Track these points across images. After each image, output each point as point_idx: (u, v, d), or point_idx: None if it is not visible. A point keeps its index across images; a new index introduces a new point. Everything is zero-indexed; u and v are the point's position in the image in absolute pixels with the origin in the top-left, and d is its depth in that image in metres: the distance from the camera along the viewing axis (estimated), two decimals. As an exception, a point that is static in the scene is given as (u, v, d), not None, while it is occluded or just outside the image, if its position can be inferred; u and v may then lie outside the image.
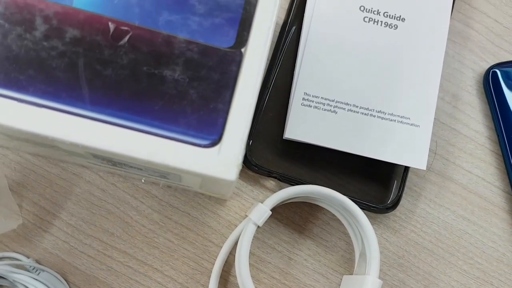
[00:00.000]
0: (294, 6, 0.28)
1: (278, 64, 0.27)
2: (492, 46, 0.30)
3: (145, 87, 0.19)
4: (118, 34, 0.19)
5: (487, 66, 0.29)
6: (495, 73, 0.29)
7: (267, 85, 0.27)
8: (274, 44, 0.28)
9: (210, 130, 0.19)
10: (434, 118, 0.28)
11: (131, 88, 0.19)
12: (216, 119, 0.19)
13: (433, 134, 0.28)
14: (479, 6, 0.30)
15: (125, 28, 0.19)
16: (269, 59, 0.28)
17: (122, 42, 0.19)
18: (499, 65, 0.29)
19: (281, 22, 0.28)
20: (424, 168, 0.26)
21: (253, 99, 0.19)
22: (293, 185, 0.26)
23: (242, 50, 0.19)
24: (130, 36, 0.19)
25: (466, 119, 0.29)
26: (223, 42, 0.19)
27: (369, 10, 0.27)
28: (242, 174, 0.27)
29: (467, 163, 0.28)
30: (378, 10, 0.27)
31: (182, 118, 0.19)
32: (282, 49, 0.28)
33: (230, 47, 0.19)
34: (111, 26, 0.19)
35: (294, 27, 0.28)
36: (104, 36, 0.19)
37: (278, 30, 0.28)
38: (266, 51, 0.20)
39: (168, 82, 0.19)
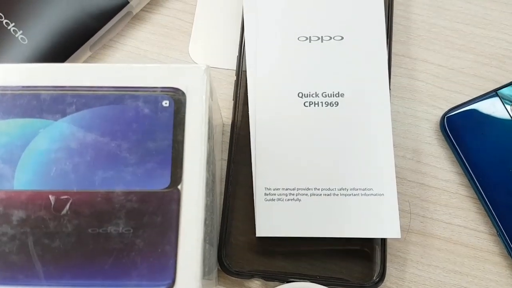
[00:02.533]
0: (237, 105, 0.29)
1: (232, 163, 0.28)
2: (441, 91, 0.30)
3: (92, 249, 0.20)
4: (59, 204, 0.20)
5: (441, 113, 0.29)
6: (450, 119, 0.29)
7: (228, 185, 0.28)
8: (228, 144, 0.29)
9: (163, 275, 0.19)
10: (401, 178, 0.28)
11: (80, 254, 0.19)
12: (167, 262, 0.19)
13: (404, 194, 0.28)
14: (419, 55, 0.31)
15: (65, 196, 0.20)
16: (225, 159, 0.29)
17: (64, 211, 0.20)
18: (452, 109, 0.29)
19: (229, 122, 0.30)
20: (399, 237, 0.26)
21: (199, 233, 0.20)
22: (279, 280, 0.26)
23: (179, 187, 0.20)
24: (70, 203, 0.20)
25: (433, 171, 0.29)
26: (159, 184, 0.20)
27: (307, 94, 0.28)
28: (224, 281, 0.27)
29: (445, 215, 0.28)
30: (316, 92, 0.28)
31: (134, 270, 0.19)
32: (233, 148, 0.29)
33: (166, 188, 0.20)
34: (52, 198, 0.20)
35: (241, 125, 0.29)
36: (47, 210, 0.20)
37: (228, 130, 0.29)
38: (202, 182, 0.20)
39: (114, 238, 0.20)
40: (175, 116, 0.21)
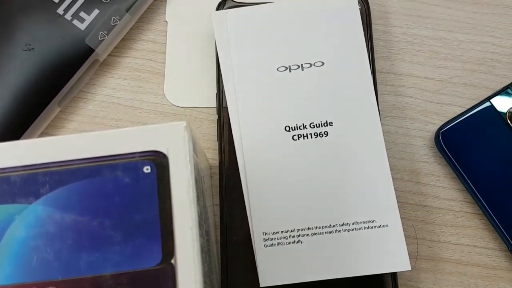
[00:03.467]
0: (222, 145, 0.28)
1: (225, 208, 0.27)
2: (432, 105, 0.29)
3: None
4: (44, 298, 0.18)
5: (434, 128, 0.28)
6: (444, 134, 0.28)
7: (224, 232, 0.27)
8: (219, 193, 0.27)
9: None
10: (402, 203, 0.27)
11: None
12: None
13: (407, 219, 0.27)
14: (404, 70, 0.30)
15: (51, 287, 0.18)
16: (217, 205, 0.27)
17: None
18: (445, 124, 0.28)
19: (216, 163, 0.28)
20: (409, 268, 0.24)
21: (200, 309, 0.18)
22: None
23: (172, 261, 0.19)
24: (56, 295, 0.18)
25: (434, 191, 0.28)
26: (150, 261, 0.19)
27: (294, 127, 0.27)
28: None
29: (452, 236, 0.27)
30: (303, 124, 0.27)
31: None
32: (223, 191, 0.27)
33: (159, 264, 0.19)
34: (35, 291, 0.18)
35: (229, 165, 0.27)
36: (31, 304, 0.18)
37: (216, 172, 0.28)
38: (197, 252, 0.19)
39: (109, 328, 0.18)
40: (159, 182, 0.19)
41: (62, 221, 0.19)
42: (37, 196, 0.20)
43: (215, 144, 0.29)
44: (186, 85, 0.30)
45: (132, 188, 0.20)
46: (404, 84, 0.29)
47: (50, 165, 0.20)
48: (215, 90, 0.29)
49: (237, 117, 0.27)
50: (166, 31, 0.30)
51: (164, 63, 0.30)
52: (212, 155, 0.29)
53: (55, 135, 0.29)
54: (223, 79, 0.28)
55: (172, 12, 0.31)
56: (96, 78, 0.30)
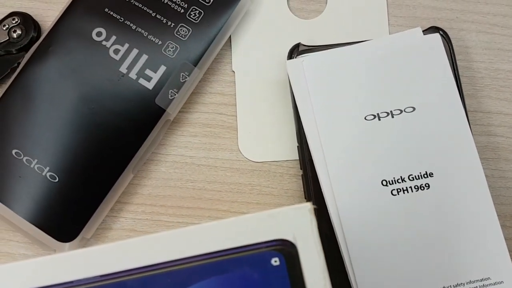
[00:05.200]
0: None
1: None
2: (524, 141, 0.28)
3: None
4: None
5: (531, 167, 0.27)
6: (543, 173, 0.27)
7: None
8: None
9: None
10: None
11: None
12: None
13: (516, 269, 0.26)
14: (491, 107, 0.28)
15: None
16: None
17: None
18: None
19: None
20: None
21: None
22: None
23: None
24: None
25: (541, 235, 0.26)
26: None
27: (392, 181, 0.25)
28: None
29: None
30: (401, 177, 0.25)
31: None
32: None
33: None
34: None
35: (321, 224, 0.26)
36: None
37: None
38: None
39: None
40: (291, 276, 0.18)
41: (190, 327, 0.18)
42: (158, 301, 0.18)
43: (300, 201, 0.27)
44: (261, 138, 0.28)
45: (262, 285, 0.18)
46: (494, 122, 0.28)
47: (170, 264, 0.18)
48: (294, 142, 0.27)
49: (326, 172, 0.26)
50: (234, 82, 0.29)
51: (236, 116, 0.28)
52: (298, 212, 0.27)
53: (128, 202, 0.27)
54: (305, 131, 0.26)
55: (239, 61, 0.29)
56: (165, 137, 0.28)
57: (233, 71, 0.29)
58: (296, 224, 0.18)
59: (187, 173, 0.28)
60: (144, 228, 0.27)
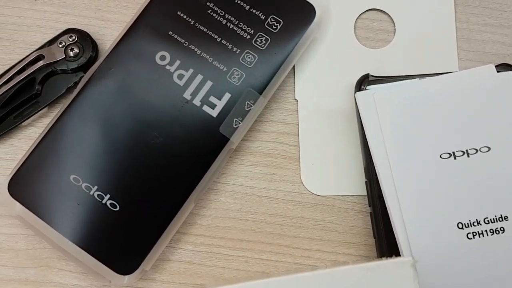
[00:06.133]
0: (382, 244, 0.25)
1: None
2: None
3: None
4: None
5: None
6: None
7: None
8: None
9: None
10: None
11: None
12: None
13: None
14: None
15: None
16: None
17: None
18: None
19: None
20: None
21: None
22: None
23: None
24: None
25: None
26: None
27: (468, 224, 0.24)
28: None
29: None
30: (477, 219, 0.24)
31: None
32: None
33: None
34: None
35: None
36: None
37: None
38: None
39: None
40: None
41: None
42: None
43: (366, 240, 0.26)
44: (325, 170, 0.27)
45: None
46: None
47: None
48: (361, 177, 0.26)
49: (399, 211, 0.24)
50: (297, 110, 0.28)
51: (298, 146, 0.27)
52: (363, 251, 0.26)
53: (187, 233, 0.26)
54: (375, 166, 0.25)
55: (302, 89, 0.28)
56: (225, 165, 0.27)
57: (296, 100, 0.28)
58: (398, 281, 0.17)
59: (247, 204, 0.27)
60: (203, 261, 0.26)
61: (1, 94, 0.27)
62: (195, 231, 0.26)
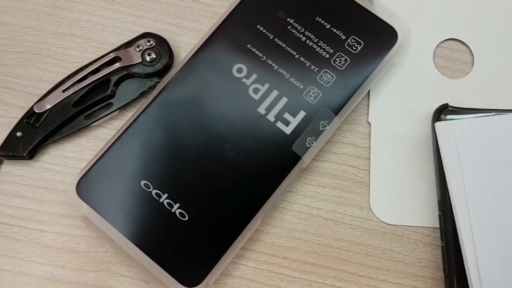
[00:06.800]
0: (452, 279, 0.24)
1: None
2: None
3: None
4: None
5: None
6: None
7: None
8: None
9: None
10: None
11: None
12: None
13: None
14: None
15: None
16: None
17: None
18: None
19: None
20: None
21: None
22: None
23: None
24: None
25: None
26: None
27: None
28: None
29: None
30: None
31: None
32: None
33: None
34: None
35: None
36: None
37: None
38: None
39: None
40: None
41: None
42: None
43: (434, 273, 0.25)
44: (396, 198, 0.26)
45: None
46: None
47: None
48: (434, 209, 0.26)
49: (473, 248, 0.24)
50: (369, 134, 0.27)
51: (368, 171, 0.27)
52: (431, 285, 0.25)
53: (250, 249, 0.26)
54: (452, 199, 0.24)
55: (376, 113, 0.28)
56: (292, 184, 0.27)
57: (369, 123, 0.28)
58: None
59: (312, 225, 0.26)
60: (265, 280, 0.25)
61: (74, 93, 0.27)
62: (259, 248, 0.26)
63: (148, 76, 0.28)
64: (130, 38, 0.28)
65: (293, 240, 0.26)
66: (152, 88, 0.27)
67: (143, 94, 0.27)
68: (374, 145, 0.27)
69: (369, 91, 0.28)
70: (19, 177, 0.27)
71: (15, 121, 0.27)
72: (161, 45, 0.28)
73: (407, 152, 0.27)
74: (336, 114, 0.26)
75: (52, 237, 0.26)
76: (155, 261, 0.24)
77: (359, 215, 0.26)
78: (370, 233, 0.26)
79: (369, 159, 0.27)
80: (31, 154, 0.27)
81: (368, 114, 0.28)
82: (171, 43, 0.28)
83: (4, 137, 0.27)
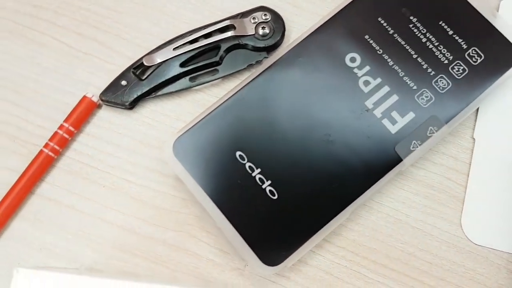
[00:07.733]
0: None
1: None
2: None
3: None
4: None
5: None
6: None
7: None
8: None
9: None
10: None
11: None
12: None
13: None
14: None
15: None
16: None
17: None
18: None
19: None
20: None
21: None
22: None
23: None
24: None
25: None
26: None
27: None
28: None
29: None
30: None
31: None
32: None
33: None
34: None
35: None
36: None
37: None
38: None
39: None
40: None
41: None
42: None
43: None
44: (488, 220, 0.25)
45: None
46: None
47: None
48: (528, 238, 0.25)
49: None
50: (472, 150, 0.26)
51: (465, 187, 0.26)
52: (513, 316, 0.24)
53: (330, 242, 0.25)
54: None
55: (483, 129, 0.27)
56: (385, 185, 0.26)
57: (473, 138, 0.26)
58: None
59: (398, 231, 0.25)
60: (341, 275, 0.25)
61: (184, 53, 0.27)
62: (339, 243, 0.25)
63: (257, 50, 0.27)
64: (246, 9, 0.28)
65: (376, 242, 0.25)
66: (259, 62, 0.27)
67: (249, 67, 0.27)
68: (475, 162, 0.26)
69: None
70: (116, 125, 0.27)
71: (119, 69, 0.27)
72: (276, 21, 0.27)
73: (509, 175, 0.26)
74: (446, 122, 0.25)
75: (138, 189, 0.26)
76: (240, 233, 0.24)
77: (448, 229, 0.25)
78: (456, 249, 0.25)
79: (468, 175, 0.26)
80: (133, 105, 0.27)
81: (474, 129, 0.26)
82: (284, 21, 0.28)
83: (106, 81, 0.27)
